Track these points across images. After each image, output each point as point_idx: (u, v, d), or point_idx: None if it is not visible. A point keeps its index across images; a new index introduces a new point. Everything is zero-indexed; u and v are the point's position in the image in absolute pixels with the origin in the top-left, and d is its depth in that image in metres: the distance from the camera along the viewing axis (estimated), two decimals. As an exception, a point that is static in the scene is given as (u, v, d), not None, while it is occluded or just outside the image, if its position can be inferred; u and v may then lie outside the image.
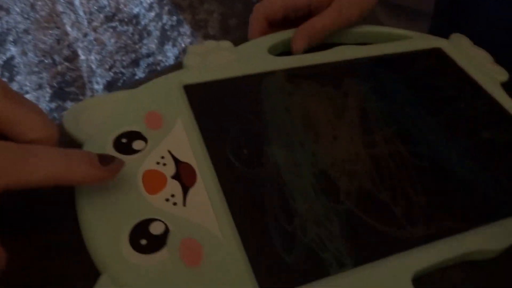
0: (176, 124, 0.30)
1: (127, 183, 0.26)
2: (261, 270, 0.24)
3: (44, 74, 0.83)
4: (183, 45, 0.97)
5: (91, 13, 0.82)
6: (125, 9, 0.85)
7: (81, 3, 0.80)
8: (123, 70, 0.92)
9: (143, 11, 0.88)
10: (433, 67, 0.40)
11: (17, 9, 0.73)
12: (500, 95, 0.37)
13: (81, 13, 0.81)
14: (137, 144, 0.29)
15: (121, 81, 0.93)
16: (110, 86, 0.92)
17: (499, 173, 0.30)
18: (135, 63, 0.93)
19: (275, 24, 0.40)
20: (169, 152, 0.28)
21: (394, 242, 0.26)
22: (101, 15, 0.84)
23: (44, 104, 0.85)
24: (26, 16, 0.74)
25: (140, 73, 0.94)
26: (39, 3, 0.76)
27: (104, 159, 0.25)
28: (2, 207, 0.23)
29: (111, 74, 0.90)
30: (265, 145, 0.30)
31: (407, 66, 0.39)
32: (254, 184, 0.28)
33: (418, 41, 0.42)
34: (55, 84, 0.84)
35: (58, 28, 0.80)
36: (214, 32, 0.99)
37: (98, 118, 0.30)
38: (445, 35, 0.44)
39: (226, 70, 0.35)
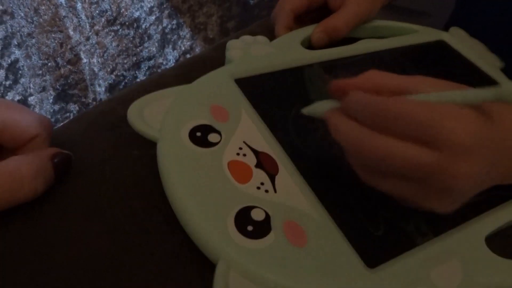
0: (242, 117, 0.32)
1: (216, 174, 0.28)
2: (360, 246, 0.26)
3: (48, 77, 0.84)
4: (182, 48, 0.99)
5: (93, 17, 0.84)
6: (126, 13, 0.87)
7: (83, 7, 0.82)
8: (124, 73, 0.93)
9: (143, 15, 0.90)
10: (440, 56, 0.44)
11: (21, 13, 0.74)
12: (502, 79, 0.41)
13: (83, 17, 0.83)
14: (212, 137, 0.30)
15: (123, 83, 0.94)
16: (112, 89, 0.94)
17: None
18: (136, 66, 0.94)
19: (299, 18, 0.44)
20: (245, 143, 0.30)
21: (465, 209, 0.27)
22: (103, 19, 0.85)
23: (48, 106, 0.86)
24: (30, 20, 0.75)
25: (141, 76, 0.96)
26: (43, 7, 0.77)
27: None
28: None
29: (113, 77, 0.92)
30: (325, 131, 0.32)
31: (421, 57, 0.44)
32: (329, 167, 0.30)
33: (424, 34, 0.47)
34: (58, 87, 0.85)
35: (61, 32, 0.81)
36: (213, 35, 1.01)
37: (161, 113, 0.31)
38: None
39: (269, 63, 0.37)
